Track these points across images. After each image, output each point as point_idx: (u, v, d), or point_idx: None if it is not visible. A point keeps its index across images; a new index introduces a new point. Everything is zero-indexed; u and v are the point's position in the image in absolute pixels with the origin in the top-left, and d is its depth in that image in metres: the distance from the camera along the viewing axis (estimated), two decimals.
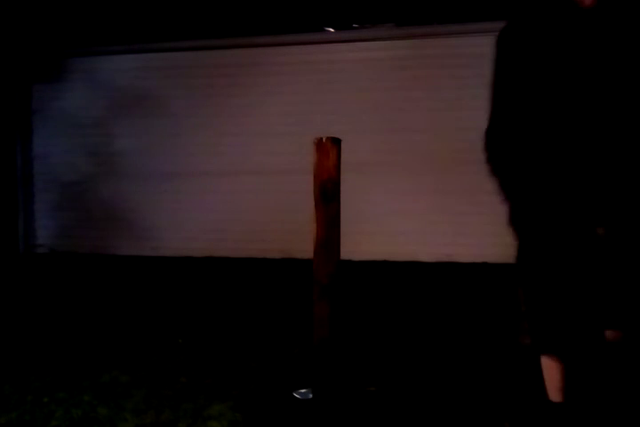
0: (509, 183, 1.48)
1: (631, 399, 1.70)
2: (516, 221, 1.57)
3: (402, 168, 5.14)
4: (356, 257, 4.56)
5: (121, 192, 5.76)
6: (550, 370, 1.61)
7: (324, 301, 1.93)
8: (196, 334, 3.14)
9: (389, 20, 5.28)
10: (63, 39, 5.72)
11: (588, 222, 1.42)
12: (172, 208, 5.67)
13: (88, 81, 5.84)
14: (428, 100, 5.16)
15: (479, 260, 4.90)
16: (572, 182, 1.36)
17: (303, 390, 2.14)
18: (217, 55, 5.58)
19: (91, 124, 5.79)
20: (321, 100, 5.31)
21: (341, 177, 1.93)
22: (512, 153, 1.42)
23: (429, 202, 5.09)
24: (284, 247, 5.09)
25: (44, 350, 2.85)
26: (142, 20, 5.47)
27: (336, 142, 1.91)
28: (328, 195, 1.90)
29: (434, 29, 5.15)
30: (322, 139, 1.89)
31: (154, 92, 5.64)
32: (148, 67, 5.72)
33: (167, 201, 5.68)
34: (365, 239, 4.85)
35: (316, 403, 1.96)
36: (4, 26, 5.49)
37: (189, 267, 5.18)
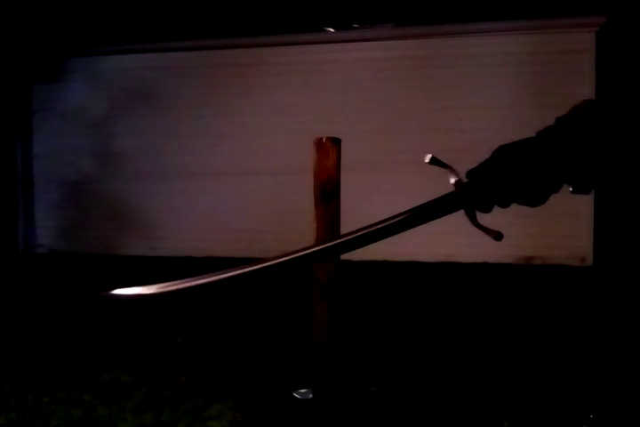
0: None
1: None
2: None
3: (402, 168, 5.14)
4: (356, 257, 4.54)
5: (121, 192, 5.76)
6: None
7: (324, 301, 1.93)
8: (195, 334, 3.14)
9: (389, 20, 5.28)
10: (63, 39, 5.72)
11: None
12: (172, 208, 5.67)
13: (88, 81, 5.84)
14: (428, 100, 5.16)
15: (479, 260, 4.90)
16: None
17: (303, 390, 2.13)
18: (217, 55, 5.58)
19: (91, 124, 5.79)
20: (321, 100, 5.31)
21: (341, 177, 1.93)
22: None
23: None
24: (284, 247, 5.07)
25: (44, 350, 2.85)
26: (142, 20, 5.47)
27: (336, 142, 1.91)
28: (328, 195, 1.90)
29: (434, 29, 5.15)
30: (322, 139, 1.89)
31: (154, 92, 5.64)
32: (148, 67, 5.72)
33: (167, 201, 5.68)
34: None
35: (316, 403, 1.96)
36: (4, 26, 5.49)
37: (189, 267, 5.18)
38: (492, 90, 5.02)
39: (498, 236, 0.73)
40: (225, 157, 5.55)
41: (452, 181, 0.78)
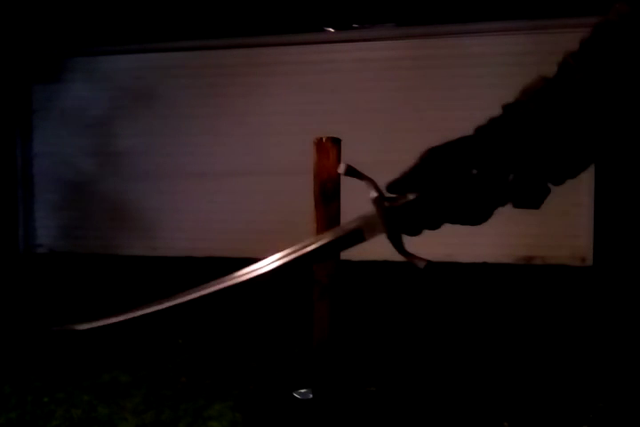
0: None
1: None
2: None
3: (402, 168, 5.14)
4: (356, 257, 4.56)
5: (121, 192, 5.76)
6: None
7: (324, 301, 1.93)
8: (196, 334, 3.14)
9: (389, 20, 5.28)
10: (63, 39, 5.72)
11: None
12: (172, 208, 5.67)
13: (88, 81, 5.84)
14: (428, 100, 5.16)
15: (479, 260, 4.90)
16: None
17: (303, 390, 2.13)
18: (217, 55, 5.58)
19: (90, 124, 5.80)
20: (321, 100, 5.31)
21: (341, 177, 1.93)
22: None
23: None
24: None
25: (43, 350, 2.85)
26: (142, 20, 5.47)
27: (336, 142, 1.91)
28: (328, 195, 1.90)
29: (434, 29, 5.15)
30: (322, 139, 1.89)
31: (154, 92, 5.64)
32: (148, 67, 5.72)
33: (167, 201, 5.68)
34: None
35: (315, 403, 1.96)
36: (4, 26, 5.49)
37: (190, 267, 5.18)
38: (492, 90, 5.01)
39: (426, 265, 0.60)
40: (225, 157, 5.56)
41: (371, 196, 0.62)
